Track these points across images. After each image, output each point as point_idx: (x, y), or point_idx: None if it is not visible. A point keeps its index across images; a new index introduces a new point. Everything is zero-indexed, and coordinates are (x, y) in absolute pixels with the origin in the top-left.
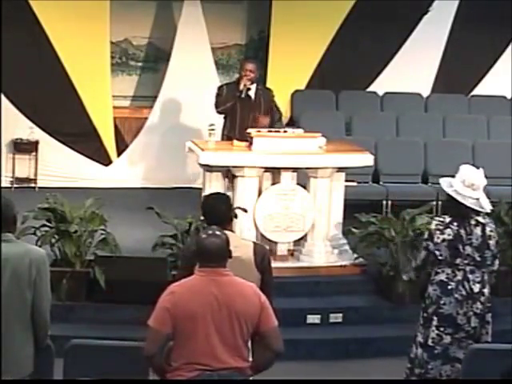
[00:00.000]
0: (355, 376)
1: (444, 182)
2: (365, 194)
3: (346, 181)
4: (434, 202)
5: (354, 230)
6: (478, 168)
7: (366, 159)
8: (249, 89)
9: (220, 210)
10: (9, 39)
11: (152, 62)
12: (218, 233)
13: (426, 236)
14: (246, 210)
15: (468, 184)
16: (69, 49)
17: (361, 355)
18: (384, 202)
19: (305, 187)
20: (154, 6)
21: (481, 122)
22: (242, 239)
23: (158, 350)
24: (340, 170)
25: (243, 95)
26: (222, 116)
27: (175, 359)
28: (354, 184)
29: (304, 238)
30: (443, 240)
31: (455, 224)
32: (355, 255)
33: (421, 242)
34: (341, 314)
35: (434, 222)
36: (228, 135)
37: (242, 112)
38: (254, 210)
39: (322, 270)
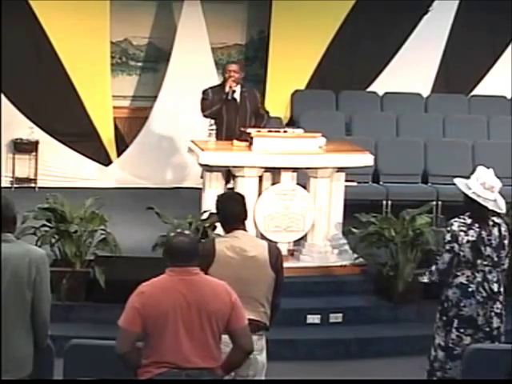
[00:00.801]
0: (355, 376)
1: (461, 184)
2: (365, 194)
3: (346, 181)
4: (434, 202)
5: (353, 229)
6: (488, 168)
7: (366, 159)
8: (234, 91)
9: (235, 210)
10: (9, 39)
11: (152, 61)
12: (186, 232)
13: (448, 238)
14: None
15: (488, 187)
16: (69, 49)
17: (361, 355)
18: (384, 202)
19: (305, 187)
20: (154, 6)
21: (481, 122)
22: (255, 239)
23: (130, 349)
24: (340, 169)
25: (229, 97)
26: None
27: (145, 357)
28: (354, 184)
29: (304, 237)
30: (467, 241)
31: (476, 225)
32: (355, 255)
33: (443, 245)
34: (341, 314)
35: (456, 224)
36: (216, 139)
37: (228, 115)
38: (253, 209)
39: (322, 269)
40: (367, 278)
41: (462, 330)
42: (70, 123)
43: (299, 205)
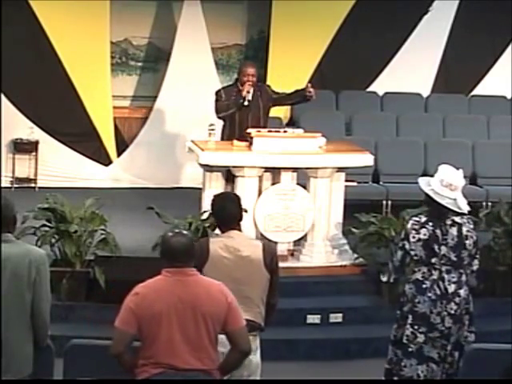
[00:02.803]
0: (355, 376)
1: (422, 181)
2: (365, 194)
3: (346, 181)
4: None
5: (353, 230)
6: (457, 169)
7: (366, 159)
8: (248, 92)
9: (230, 210)
10: (9, 39)
11: (152, 62)
12: (184, 232)
13: (402, 236)
14: (245, 210)
15: (446, 184)
16: (69, 49)
17: (361, 355)
18: (384, 202)
19: (305, 187)
20: (154, 6)
21: (481, 122)
22: (250, 239)
23: (125, 350)
24: (340, 169)
25: (246, 103)
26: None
27: (141, 358)
28: (354, 184)
29: (304, 237)
30: (419, 239)
31: (431, 224)
32: (355, 255)
33: (397, 243)
34: (341, 314)
35: (410, 222)
36: (228, 139)
37: (240, 115)
38: (253, 209)
39: (322, 269)
40: (367, 278)
41: (416, 327)
42: (70, 123)
43: (299, 205)
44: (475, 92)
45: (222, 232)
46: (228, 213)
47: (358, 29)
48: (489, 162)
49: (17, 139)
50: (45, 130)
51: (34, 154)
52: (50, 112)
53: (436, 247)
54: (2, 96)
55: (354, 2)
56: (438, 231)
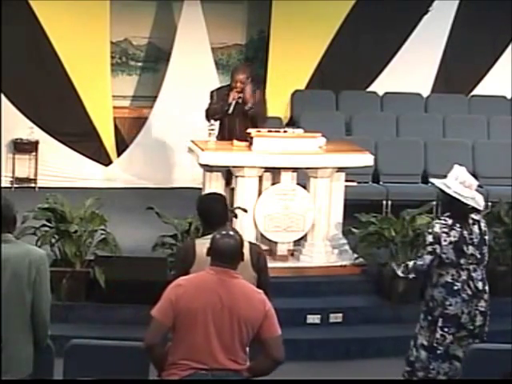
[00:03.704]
0: (355, 376)
1: (441, 184)
2: (365, 194)
3: (346, 181)
4: (434, 202)
5: (353, 229)
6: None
7: (365, 159)
8: (240, 97)
9: (215, 211)
10: (9, 39)
11: (152, 61)
12: (232, 234)
13: (431, 239)
14: (245, 210)
15: (468, 185)
16: (69, 49)
17: (361, 355)
18: (384, 202)
19: (305, 187)
20: (154, 6)
21: (481, 122)
22: None
23: (159, 341)
24: (340, 169)
25: (230, 111)
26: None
27: (172, 353)
28: (354, 184)
29: (304, 237)
30: (450, 242)
31: (458, 225)
32: (355, 255)
33: (424, 247)
34: (341, 314)
35: (438, 225)
36: (221, 140)
37: (229, 117)
38: (254, 210)
39: (322, 269)
40: (367, 278)
41: (445, 329)
42: (70, 123)
43: (299, 205)
44: (475, 92)
45: (208, 233)
46: (214, 213)
47: (358, 29)
48: (489, 161)
49: (17, 139)
50: (45, 130)
51: (33, 154)
52: (49, 112)
53: (465, 248)
54: (2, 96)
55: (353, 2)
56: (465, 232)
